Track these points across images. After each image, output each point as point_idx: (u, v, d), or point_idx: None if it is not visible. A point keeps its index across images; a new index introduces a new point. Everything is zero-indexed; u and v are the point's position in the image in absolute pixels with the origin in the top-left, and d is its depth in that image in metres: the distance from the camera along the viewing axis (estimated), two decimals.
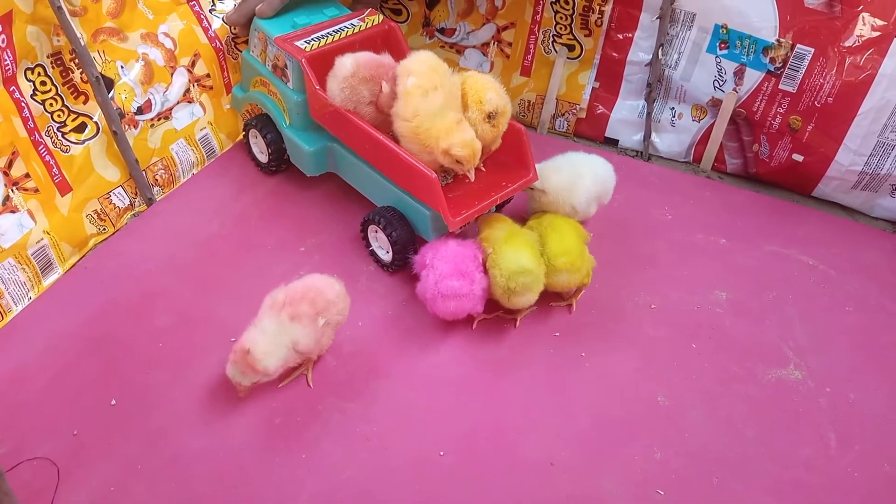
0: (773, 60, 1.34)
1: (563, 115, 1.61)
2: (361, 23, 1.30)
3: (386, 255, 1.21)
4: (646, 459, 0.99)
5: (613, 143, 1.60)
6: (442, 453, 0.99)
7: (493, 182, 1.19)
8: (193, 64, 1.39)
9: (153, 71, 1.33)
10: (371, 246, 1.24)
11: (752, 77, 1.38)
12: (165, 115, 1.36)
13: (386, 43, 1.30)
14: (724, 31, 1.37)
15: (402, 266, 1.20)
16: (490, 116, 1.12)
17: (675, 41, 1.44)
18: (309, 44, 1.24)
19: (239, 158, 1.46)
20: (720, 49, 1.39)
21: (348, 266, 1.24)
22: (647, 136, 1.55)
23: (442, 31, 1.62)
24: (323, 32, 1.27)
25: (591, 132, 1.60)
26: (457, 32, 1.61)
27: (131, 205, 1.32)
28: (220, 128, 1.47)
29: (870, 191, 1.39)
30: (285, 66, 1.25)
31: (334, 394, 1.05)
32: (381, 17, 1.32)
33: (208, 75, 1.42)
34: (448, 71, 1.13)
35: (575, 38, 1.53)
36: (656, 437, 1.02)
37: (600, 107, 1.58)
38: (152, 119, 1.33)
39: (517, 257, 1.08)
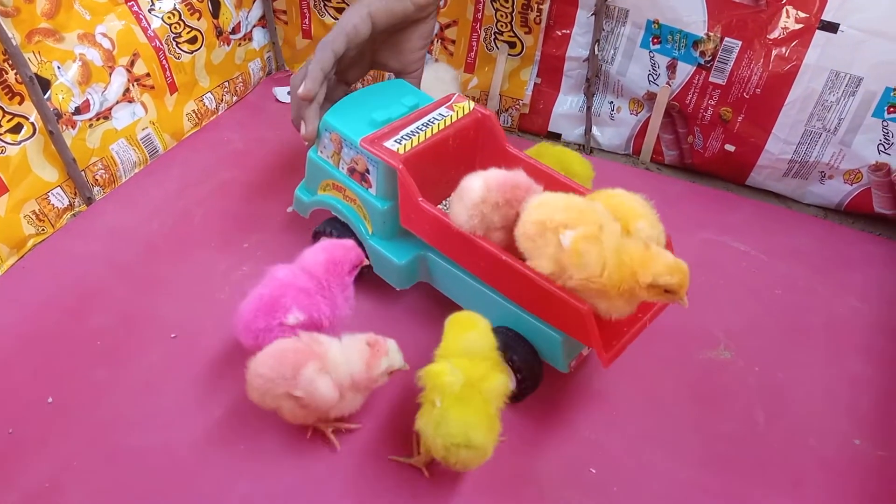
0: (703, 54, 1.38)
1: (506, 110, 1.63)
2: (451, 111, 1.13)
3: None
4: (580, 440, 1.02)
5: (556, 136, 1.63)
6: (384, 438, 1.00)
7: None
8: (132, 63, 1.39)
9: (91, 71, 1.32)
10: None
11: (684, 70, 1.42)
12: (105, 115, 1.35)
13: (479, 133, 1.16)
14: (656, 27, 1.41)
15: (528, 394, 1.03)
16: None
17: (610, 37, 1.48)
18: (400, 144, 1.05)
19: (182, 157, 1.46)
20: (653, 44, 1.43)
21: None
22: (588, 130, 1.59)
23: None
24: (411, 129, 1.09)
25: (534, 127, 1.63)
26: None
27: (71, 205, 1.31)
28: (164, 127, 1.46)
29: (800, 178, 1.44)
30: (366, 170, 1.08)
31: None
32: (472, 103, 1.15)
33: (148, 75, 1.41)
34: (581, 199, 0.93)
35: (516, 36, 1.56)
36: (590, 419, 1.05)
37: (543, 102, 1.61)
38: (91, 119, 1.33)
39: (466, 427, 0.85)
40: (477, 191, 0.96)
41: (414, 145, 1.05)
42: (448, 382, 0.88)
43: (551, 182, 1.07)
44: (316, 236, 1.20)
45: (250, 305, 1.00)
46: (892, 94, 1.27)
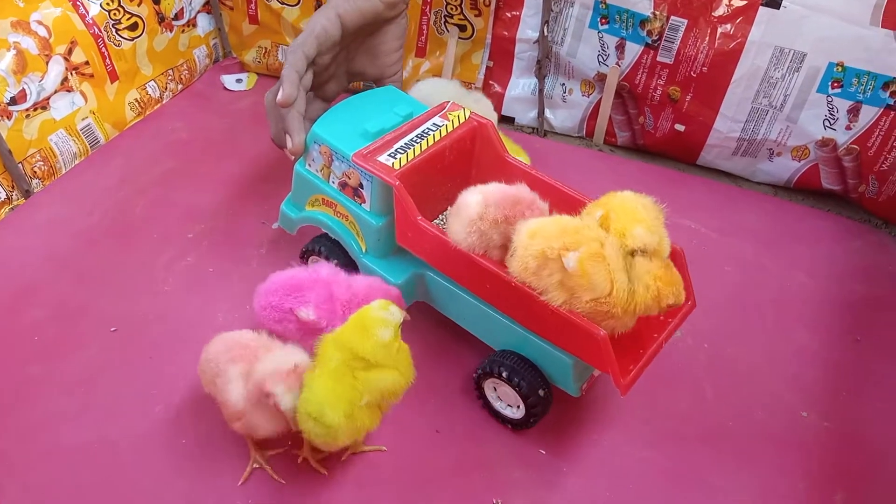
0: (650, 33, 1.38)
1: None
2: (445, 121, 1.07)
3: (515, 411, 0.99)
4: None
5: (510, 120, 1.62)
6: None
7: (646, 318, 0.93)
8: (70, 52, 1.34)
9: (26, 60, 1.28)
10: (491, 403, 1.01)
11: (633, 50, 1.42)
12: (42, 105, 1.31)
13: (475, 143, 1.10)
14: (604, 7, 1.40)
15: (538, 420, 0.99)
16: (635, 254, 0.86)
17: (559, 17, 1.47)
18: (395, 158, 0.99)
19: (124, 147, 1.42)
20: (601, 24, 1.43)
21: (238, 250, 1.23)
22: (540, 113, 1.58)
23: None
24: (405, 141, 1.03)
25: None
26: None
27: (8, 198, 1.27)
28: (105, 117, 1.43)
29: (749, 156, 1.44)
30: (359, 184, 1.03)
31: None
32: (467, 112, 1.09)
33: (87, 63, 1.37)
34: (572, 219, 0.88)
35: (466, 18, 1.54)
36: None
37: (496, 85, 1.60)
38: (28, 109, 1.28)
39: (323, 405, 0.83)
40: (474, 206, 0.90)
41: (409, 159, 0.99)
42: (329, 355, 0.85)
43: (554, 193, 1.00)
44: (304, 255, 1.14)
45: (277, 278, 0.98)
46: (835, 69, 1.28)
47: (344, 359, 0.84)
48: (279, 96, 1.05)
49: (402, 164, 0.98)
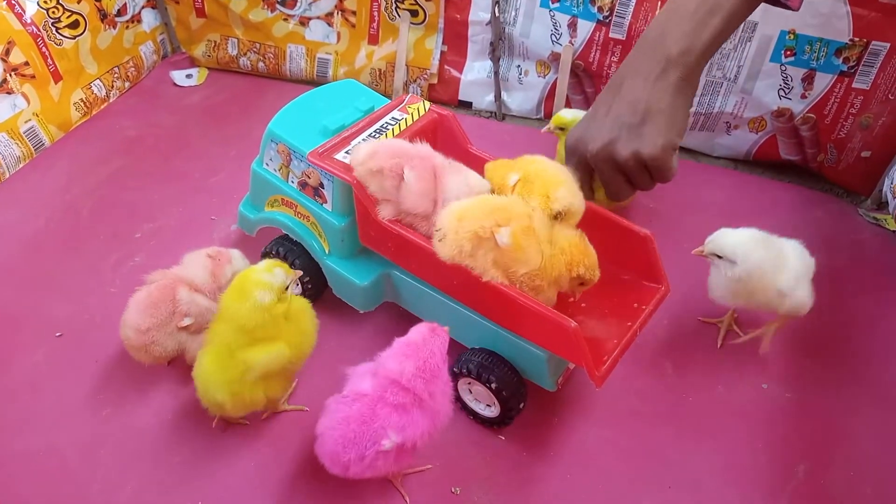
0: (601, 9, 1.36)
1: (415, 81, 1.59)
2: (405, 115, 1.04)
3: (488, 409, 0.96)
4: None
5: (468, 105, 1.60)
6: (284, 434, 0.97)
7: (619, 305, 0.94)
8: (7, 52, 1.31)
9: None
10: (465, 401, 0.98)
11: (585, 28, 1.40)
12: None
13: (437, 135, 1.06)
14: None
15: (514, 417, 0.96)
16: (558, 216, 0.87)
17: None
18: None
19: (70, 149, 1.39)
20: (552, 2, 1.41)
21: (187, 248, 1.18)
22: (497, 96, 1.56)
23: (283, 3, 1.58)
24: (364, 137, 0.99)
25: (444, 97, 1.60)
26: (298, 4, 1.57)
27: None
28: (49, 119, 1.39)
29: (707, 130, 1.43)
30: (320, 184, 0.99)
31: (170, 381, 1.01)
32: (427, 104, 1.06)
33: (27, 63, 1.34)
34: (498, 197, 0.88)
35: (417, 3, 1.52)
36: None
37: (451, 70, 1.57)
38: None
39: (207, 384, 0.85)
40: (363, 149, 0.91)
41: None
42: (214, 332, 0.87)
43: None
44: (265, 257, 1.09)
45: (335, 433, 0.80)
46: (787, 37, 1.27)
47: (223, 339, 0.84)
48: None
49: None
